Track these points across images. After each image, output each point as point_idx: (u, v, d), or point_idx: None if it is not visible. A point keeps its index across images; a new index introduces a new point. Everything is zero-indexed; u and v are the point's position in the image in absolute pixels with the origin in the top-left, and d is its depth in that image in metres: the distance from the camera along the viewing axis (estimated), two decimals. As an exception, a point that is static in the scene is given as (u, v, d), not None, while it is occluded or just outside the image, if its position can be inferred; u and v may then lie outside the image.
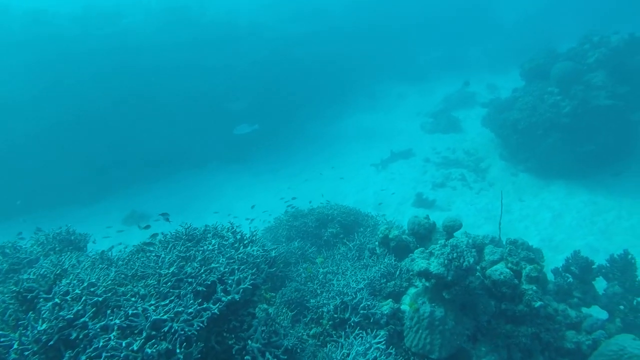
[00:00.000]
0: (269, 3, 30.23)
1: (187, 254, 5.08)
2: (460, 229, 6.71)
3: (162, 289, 4.59)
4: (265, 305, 7.71)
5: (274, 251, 5.70)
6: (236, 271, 4.91)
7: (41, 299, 4.53)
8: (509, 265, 5.89)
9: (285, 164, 22.38)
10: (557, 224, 13.96)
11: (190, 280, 4.73)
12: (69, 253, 6.12)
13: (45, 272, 5.03)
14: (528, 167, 17.42)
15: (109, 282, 4.67)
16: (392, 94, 30.59)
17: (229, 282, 4.78)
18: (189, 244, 5.34)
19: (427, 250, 5.81)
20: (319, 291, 6.96)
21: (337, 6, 34.04)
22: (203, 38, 23.85)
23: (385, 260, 6.83)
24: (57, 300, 4.37)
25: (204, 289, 4.68)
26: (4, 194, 19.86)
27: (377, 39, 33.93)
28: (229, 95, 23.53)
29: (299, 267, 8.26)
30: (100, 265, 5.23)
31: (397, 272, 6.53)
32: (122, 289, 4.70)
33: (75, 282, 4.59)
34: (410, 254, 6.62)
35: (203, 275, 4.79)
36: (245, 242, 5.86)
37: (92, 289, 4.53)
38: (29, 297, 4.85)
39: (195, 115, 23.41)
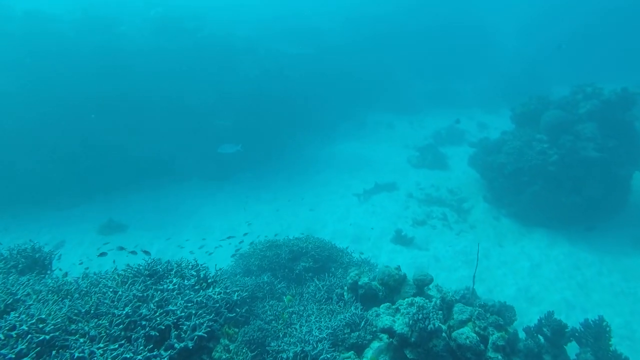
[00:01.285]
0: (265, 21, 30.47)
1: (145, 294, 4.93)
2: (431, 284, 6.63)
3: (113, 330, 4.43)
4: (226, 341, 7.54)
5: (236, 294, 5.56)
6: (193, 316, 4.77)
7: (-17, 333, 4.33)
8: (476, 329, 5.80)
9: (265, 187, 22.21)
10: (535, 274, 13.93)
11: (144, 322, 4.57)
12: (26, 277, 5.91)
13: (-6, 300, 4.84)
14: (511, 212, 17.48)
15: (60, 318, 4.49)
16: (382, 123, 30.73)
17: (184, 327, 4.63)
18: (149, 282, 5.19)
19: (394, 306, 5.70)
20: (281, 334, 6.81)
21: (332, 31, 34.49)
22: (197, 51, 23.82)
23: (352, 308, 6.71)
24: (0, 336, 4.19)
25: (157, 334, 4.53)
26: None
27: (371, 66, 34.28)
28: (217, 111, 23.42)
29: (265, 304, 8.10)
30: (54, 297, 5.04)
31: (362, 323, 6.40)
32: (74, 326, 4.53)
33: (24, 316, 4.41)
34: (376, 308, 6.48)
35: (158, 318, 4.64)
36: (209, 281, 5.72)
37: (40, 326, 4.35)
38: (-27, 326, 4.65)
39: (183, 128, 23.24)
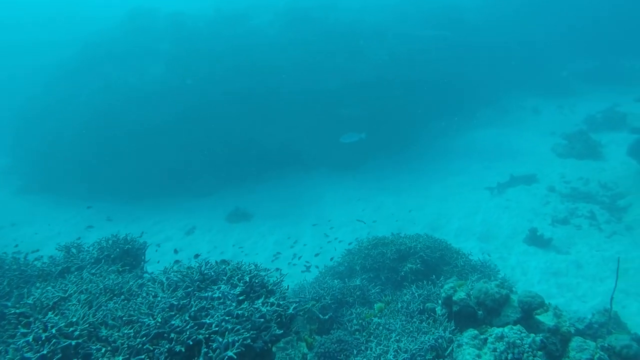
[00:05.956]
0: (397, 3, 29.02)
1: (182, 302, 4.48)
2: (541, 308, 5.21)
3: (137, 342, 4.03)
4: (306, 350, 6.94)
5: (292, 306, 4.86)
6: (227, 332, 4.18)
7: (19, 333, 4.24)
8: (595, 378, 4.34)
9: (392, 177, 21.21)
10: None
11: (172, 335, 4.11)
12: (90, 272, 5.91)
13: (47, 296, 4.79)
14: (683, 213, 14.22)
15: (88, 323, 4.21)
16: (525, 108, 27.56)
17: (214, 345, 4.07)
18: (191, 288, 4.72)
19: (483, 336, 4.51)
20: (363, 347, 5.98)
21: (471, 8, 31.57)
22: (324, 39, 23.51)
23: (440, 330, 5.59)
24: (30, 338, 4.04)
25: (183, 350, 4.02)
26: (133, 179, 21.62)
27: (515, 44, 30.80)
28: (343, 100, 22.89)
29: (353, 310, 7.32)
30: (104, 297, 4.86)
31: (450, 349, 5.27)
32: (105, 332, 4.24)
33: (57, 318, 4.24)
34: (472, 331, 5.26)
35: (188, 331, 4.14)
36: (268, 289, 5.12)
37: (70, 330, 4.13)
38: (23, 322, 4.62)
39: (310, 118, 23.21)
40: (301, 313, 6.26)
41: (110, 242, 7.77)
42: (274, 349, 7.17)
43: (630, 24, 32.40)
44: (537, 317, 5.35)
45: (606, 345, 4.49)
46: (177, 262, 5.46)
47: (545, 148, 21.48)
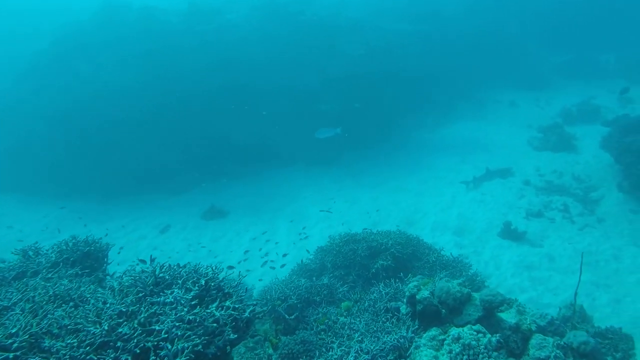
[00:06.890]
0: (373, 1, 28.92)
1: (130, 308, 4.31)
2: (502, 306, 5.16)
3: (80, 353, 3.86)
4: (271, 351, 6.83)
5: (249, 310, 4.72)
6: (177, 339, 4.03)
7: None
8: (553, 376, 4.30)
9: (369, 172, 21.15)
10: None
11: (119, 344, 3.95)
12: (45, 276, 5.70)
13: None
14: (653, 204, 14.41)
15: (29, 334, 4.02)
16: (503, 102, 27.73)
17: (162, 353, 3.92)
18: (142, 293, 4.56)
19: (441, 337, 4.43)
20: (325, 349, 5.88)
21: (446, 5, 31.51)
22: (301, 34, 23.24)
23: (402, 330, 5.51)
24: (-35, 351, 3.83)
25: (130, 359, 3.86)
26: (108, 177, 21.14)
27: (492, 38, 30.91)
28: (321, 95, 22.69)
29: (320, 310, 7.22)
30: (52, 305, 4.66)
31: (411, 350, 5.19)
32: (48, 342, 4.05)
33: (-5, 329, 4.04)
34: (434, 331, 5.20)
35: (135, 339, 3.98)
36: (224, 292, 4.97)
37: (9, 342, 3.93)
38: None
39: (288, 113, 22.99)
40: (260, 316, 6.13)
41: (70, 244, 7.54)
42: (242, 349, 7.06)
43: (604, 18, 32.92)
44: (499, 314, 5.31)
45: (562, 343, 4.45)
46: (125, 272, 5.26)
47: (521, 141, 21.65)
